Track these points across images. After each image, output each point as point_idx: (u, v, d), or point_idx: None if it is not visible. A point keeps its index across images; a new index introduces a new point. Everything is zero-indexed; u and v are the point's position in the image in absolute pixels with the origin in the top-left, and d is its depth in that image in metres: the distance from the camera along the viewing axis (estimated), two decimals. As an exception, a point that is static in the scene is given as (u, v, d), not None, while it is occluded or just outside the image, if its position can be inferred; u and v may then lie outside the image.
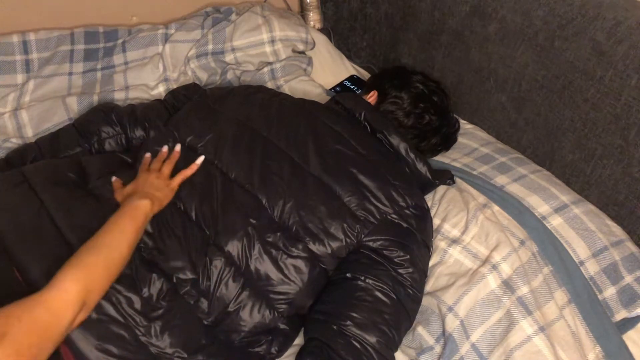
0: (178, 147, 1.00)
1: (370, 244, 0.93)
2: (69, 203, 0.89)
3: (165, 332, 0.81)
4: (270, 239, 0.90)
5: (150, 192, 0.88)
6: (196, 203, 0.92)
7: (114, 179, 0.96)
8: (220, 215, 0.91)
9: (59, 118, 1.27)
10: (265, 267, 0.89)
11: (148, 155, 1.00)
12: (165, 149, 1.01)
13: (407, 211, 0.96)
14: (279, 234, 0.90)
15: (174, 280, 0.85)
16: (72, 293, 0.66)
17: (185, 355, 0.82)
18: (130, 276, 0.82)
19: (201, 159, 0.98)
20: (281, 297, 0.89)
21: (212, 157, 0.98)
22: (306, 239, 0.91)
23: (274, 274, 0.89)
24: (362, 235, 0.92)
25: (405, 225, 0.95)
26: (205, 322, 0.87)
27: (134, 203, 0.84)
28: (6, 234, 0.83)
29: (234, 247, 0.89)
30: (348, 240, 0.92)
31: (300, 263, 0.90)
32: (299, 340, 0.97)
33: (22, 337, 0.57)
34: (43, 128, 1.26)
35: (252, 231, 0.90)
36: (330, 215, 0.92)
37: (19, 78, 1.33)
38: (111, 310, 0.78)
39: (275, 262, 0.89)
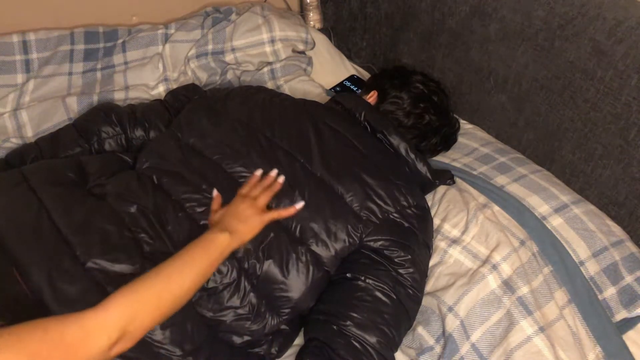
0: (282, 179, 0.93)
1: (371, 244, 0.93)
2: (68, 203, 0.89)
3: (167, 329, 0.80)
4: (275, 243, 0.90)
5: (233, 225, 0.82)
6: (205, 209, 0.91)
7: (215, 193, 0.90)
8: None
9: (59, 118, 1.28)
10: (271, 271, 0.89)
11: (258, 173, 0.93)
12: (273, 173, 0.93)
13: (409, 210, 0.96)
14: (283, 237, 0.90)
15: None
16: (111, 317, 0.61)
17: (186, 353, 0.82)
18: (132, 273, 0.82)
19: (301, 204, 0.91)
20: (284, 301, 0.89)
21: (219, 160, 0.98)
22: (309, 241, 0.91)
23: (278, 278, 0.89)
24: (364, 235, 0.92)
25: (406, 224, 0.95)
26: (208, 322, 0.87)
27: (212, 235, 0.79)
28: (6, 233, 0.83)
29: (240, 252, 0.89)
30: (351, 240, 0.92)
31: (303, 267, 0.90)
32: (299, 340, 0.97)
33: (41, 346, 0.53)
34: (43, 128, 1.26)
35: (260, 237, 0.89)
36: (334, 216, 0.92)
37: (19, 78, 1.33)
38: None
39: (279, 266, 0.89)
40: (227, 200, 0.91)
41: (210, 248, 0.77)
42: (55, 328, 0.56)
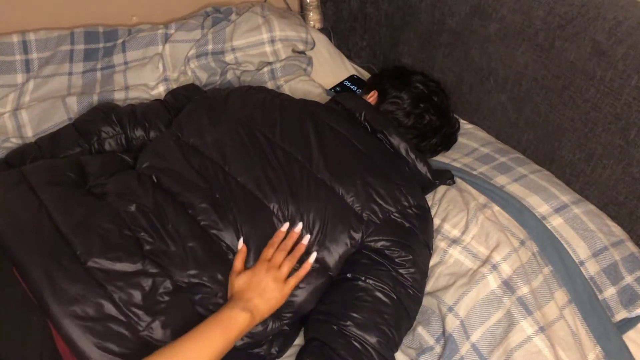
0: (306, 240, 0.90)
1: (372, 244, 0.93)
2: (68, 202, 0.89)
3: (167, 327, 0.80)
4: None
5: (256, 302, 0.81)
6: (207, 211, 0.91)
7: (241, 245, 0.88)
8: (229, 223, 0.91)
9: (58, 118, 1.27)
10: None
11: (284, 229, 0.90)
12: (298, 229, 0.90)
13: (410, 210, 0.96)
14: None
15: (179, 282, 0.85)
16: None
17: None
18: (133, 272, 0.82)
19: (314, 256, 0.89)
20: (287, 305, 0.89)
21: (218, 160, 0.98)
22: (313, 248, 0.91)
23: None
24: (365, 236, 0.92)
25: (407, 224, 0.95)
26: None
27: (234, 313, 0.78)
28: (5, 233, 0.83)
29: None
30: (352, 242, 0.92)
31: (308, 273, 0.90)
32: (299, 341, 0.97)
33: None
34: (43, 128, 1.26)
35: (261, 240, 0.89)
36: (335, 218, 0.92)
37: (19, 78, 1.33)
38: (112, 310, 0.78)
39: None
40: (226, 201, 0.91)
41: (230, 328, 0.76)
42: None
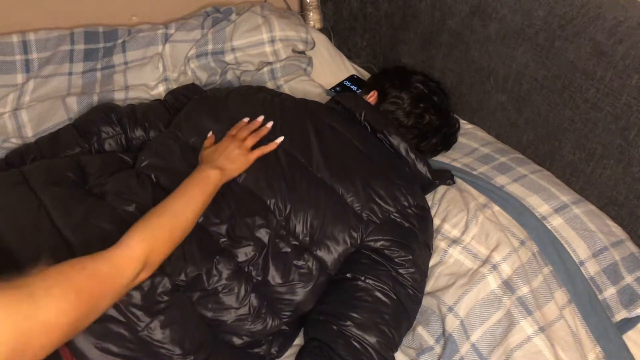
0: (269, 124, 1.01)
1: (372, 244, 0.92)
2: (68, 203, 0.89)
3: (167, 327, 0.81)
4: (278, 247, 0.90)
5: (223, 163, 0.92)
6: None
7: (210, 134, 1.00)
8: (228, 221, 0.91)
9: (58, 118, 1.27)
10: (273, 275, 0.89)
11: (246, 119, 1.02)
12: (260, 118, 1.02)
13: (410, 210, 0.96)
14: (287, 241, 0.90)
15: (177, 281, 0.85)
16: (135, 251, 0.69)
17: (186, 352, 0.82)
18: None
19: (280, 138, 0.99)
20: (286, 304, 0.89)
21: None
22: (312, 247, 0.91)
23: (280, 281, 0.89)
24: (365, 235, 0.92)
25: (407, 224, 0.95)
26: (208, 322, 0.86)
27: (206, 172, 0.88)
28: (5, 233, 0.83)
29: (241, 253, 0.88)
30: (352, 241, 0.92)
31: (307, 271, 0.90)
32: (299, 341, 0.97)
33: (84, 283, 0.60)
34: (43, 128, 1.26)
35: (260, 237, 0.89)
36: (335, 218, 0.92)
37: (19, 78, 1.33)
38: (111, 310, 0.78)
39: (282, 270, 0.89)
40: (224, 199, 0.91)
41: (205, 185, 0.87)
42: (90, 265, 0.63)
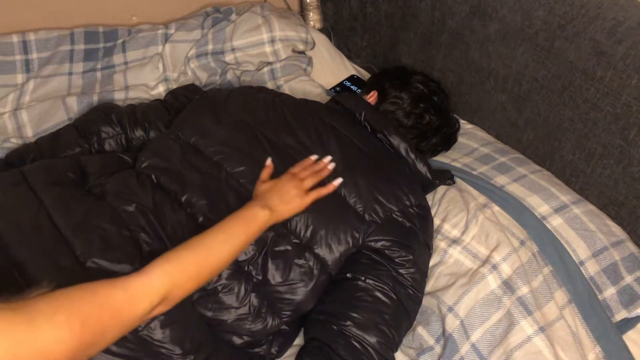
0: (331, 166, 0.96)
1: (373, 244, 0.93)
2: (68, 203, 0.89)
3: (167, 327, 0.80)
4: (279, 246, 0.90)
5: (276, 203, 0.86)
6: (205, 208, 0.91)
7: (268, 162, 0.95)
8: None
9: (58, 118, 1.28)
10: (273, 274, 0.89)
11: (313, 157, 0.97)
12: (327, 159, 0.96)
13: (411, 210, 0.96)
14: (287, 240, 0.90)
15: None
16: (155, 283, 0.64)
17: (186, 352, 0.82)
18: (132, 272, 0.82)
19: (339, 180, 0.94)
20: (286, 303, 0.89)
21: (219, 159, 0.98)
22: (314, 246, 0.91)
23: (280, 280, 0.89)
24: (366, 236, 0.92)
25: (408, 224, 0.95)
26: (208, 322, 0.87)
27: (254, 210, 0.83)
28: (5, 233, 0.83)
29: (241, 254, 0.88)
30: (354, 241, 0.92)
31: (308, 271, 0.90)
32: (299, 341, 0.97)
33: (93, 311, 0.56)
34: (43, 128, 1.26)
35: (260, 238, 0.89)
36: (338, 219, 0.92)
37: (19, 78, 1.33)
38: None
39: (282, 269, 0.89)
40: (225, 200, 0.91)
41: (250, 224, 0.81)
42: (103, 292, 0.58)
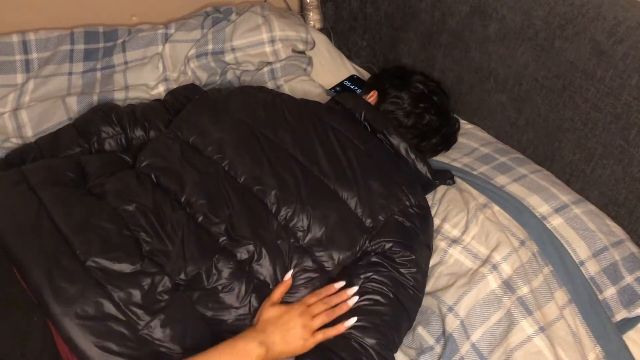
0: (352, 302, 0.87)
1: (373, 246, 0.92)
2: (68, 202, 0.89)
3: (167, 326, 0.80)
4: (279, 247, 0.90)
5: (276, 341, 0.79)
6: (205, 207, 0.91)
7: (288, 276, 0.87)
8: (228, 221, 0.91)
9: (58, 118, 1.27)
10: (274, 276, 0.88)
11: (338, 285, 0.88)
12: (351, 291, 0.87)
13: (411, 210, 0.96)
14: (287, 241, 0.90)
15: (177, 280, 0.85)
16: None
17: (186, 352, 0.82)
18: (132, 272, 0.82)
19: (352, 321, 0.85)
20: None
21: (218, 159, 0.98)
22: (313, 249, 0.91)
23: (281, 282, 0.89)
24: (367, 239, 0.92)
25: (408, 224, 0.95)
26: (208, 321, 0.86)
27: (247, 346, 0.77)
28: (5, 233, 0.83)
29: (242, 254, 0.88)
30: (354, 245, 0.92)
31: (307, 273, 0.90)
32: (299, 340, 0.97)
33: None
34: (43, 128, 1.26)
35: (260, 238, 0.89)
36: (338, 223, 0.92)
37: (19, 78, 1.33)
38: (111, 309, 0.78)
39: (282, 270, 0.89)
40: (224, 201, 0.91)
41: (241, 359, 0.76)
42: None
